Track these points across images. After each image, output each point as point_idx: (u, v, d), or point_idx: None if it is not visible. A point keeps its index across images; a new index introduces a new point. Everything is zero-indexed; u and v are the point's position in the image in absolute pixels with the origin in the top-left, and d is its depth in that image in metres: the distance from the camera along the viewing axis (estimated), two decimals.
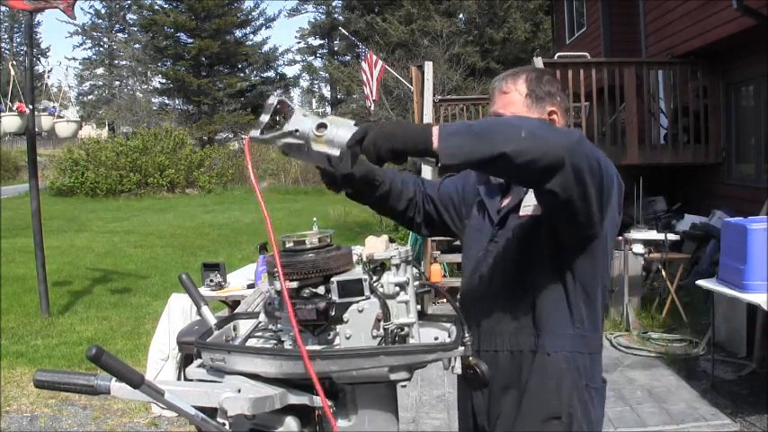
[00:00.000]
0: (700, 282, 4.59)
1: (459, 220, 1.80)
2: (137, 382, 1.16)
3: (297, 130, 1.27)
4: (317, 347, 1.28)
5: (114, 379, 1.20)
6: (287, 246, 1.31)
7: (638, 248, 6.22)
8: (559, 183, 1.28)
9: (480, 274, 1.64)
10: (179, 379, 3.80)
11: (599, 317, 1.57)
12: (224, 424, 1.23)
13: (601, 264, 1.55)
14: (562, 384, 1.51)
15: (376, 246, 1.32)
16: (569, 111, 1.71)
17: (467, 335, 1.32)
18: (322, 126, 1.26)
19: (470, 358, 1.32)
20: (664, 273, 6.14)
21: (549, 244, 1.52)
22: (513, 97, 1.60)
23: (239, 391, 1.23)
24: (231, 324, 1.49)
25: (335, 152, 1.24)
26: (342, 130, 1.24)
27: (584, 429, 1.53)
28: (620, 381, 4.63)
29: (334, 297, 1.26)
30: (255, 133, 1.29)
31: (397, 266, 1.28)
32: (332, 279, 1.27)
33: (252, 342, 1.39)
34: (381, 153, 1.23)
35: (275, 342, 1.36)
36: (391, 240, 1.37)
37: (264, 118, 1.31)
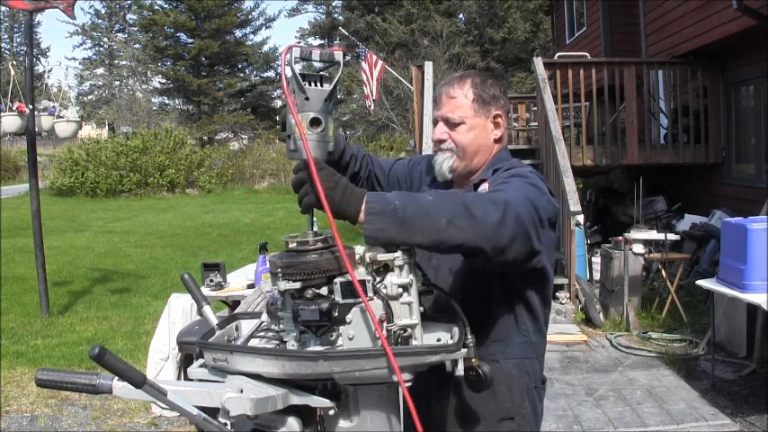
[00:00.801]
0: (700, 282, 4.60)
1: None
2: (139, 381, 1.16)
3: (307, 98, 1.26)
4: (320, 348, 1.28)
5: (116, 378, 1.20)
6: (290, 246, 1.31)
7: (638, 248, 6.23)
8: (480, 261, 1.33)
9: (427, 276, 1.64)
10: (179, 379, 3.80)
11: (543, 324, 1.65)
12: (226, 424, 1.23)
13: (543, 282, 1.60)
14: (513, 389, 1.60)
15: (379, 247, 1.31)
16: (510, 112, 1.76)
17: (469, 336, 1.32)
18: (315, 123, 1.26)
19: (473, 360, 1.32)
20: (664, 273, 6.14)
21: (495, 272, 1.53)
22: (461, 101, 1.64)
23: (242, 391, 1.23)
24: (233, 324, 1.49)
25: (291, 146, 1.27)
26: (316, 147, 1.26)
27: (533, 427, 1.63)
28: (620, 381, 4.63)
29: (338, 298, 1.26)
30: (297, 53, 1.27)
31: (401, 268, 1.27)
32: (335, 280, 1.26)
33: (254, 342, 1.39)
34: (301, 200, 1.26)
35: (277, 342, 1.35)
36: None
37: (315, 55, 1.31)
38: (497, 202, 1.30)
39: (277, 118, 1.41)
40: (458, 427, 1.61)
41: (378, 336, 1.21)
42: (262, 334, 1.40)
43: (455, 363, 1.30)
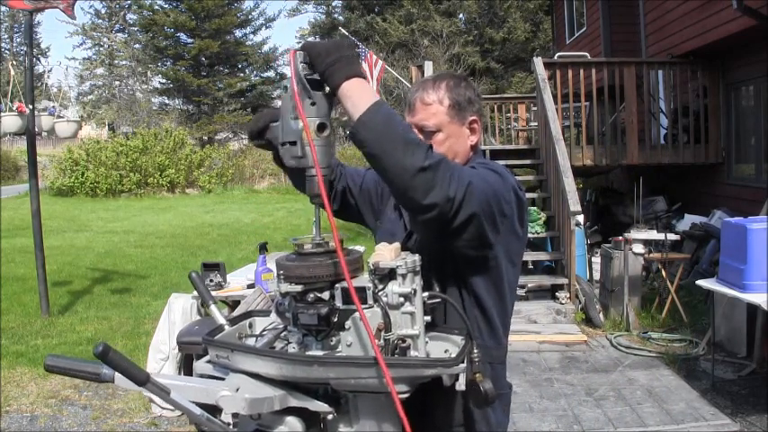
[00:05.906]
0: (700, 282, 4.61)
1: (375, 218, 1.76)
2: (142, 380, 1.17)
3: (314, 103, 1.26)
4: (320, 353, 1.27)
5: None
6: (295, 249, 1.30)
7: (638, 248, 6.23)
8: (422, 225, 1.33)
9: None
10: None
11: (500, 330, 1.57)
12: (229, 424, 1.23)
13: (498, 280, 1.53)
14: (458, 394, 1.48)
15: (383, 254, 1.27)
16: (483, 115, 1.69)
17: (475, 350, 1.28)
18: (322, 128, 1.25)
19: (477, 375, 1.27)
20: (664, 273, 6.15)
21: (447, 259, 1.49)
22: (436, 108, 1.57)
23: (237, 390, 1.23)
24: (247, 321, 1.48)
25: (298, 152, 1.25)
26: (324, 152, 1.25)
27: None
28: (620, 381, 4.64)
29: (338, 303, 1.24)
30: (301, 57, 1.26)
31: (404, 276, 1.24)
32: (337, 285, 1.25)
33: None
34: (317, 58, 1.25)
35: (286, 342, 1.34)
36: (404, 248, 1.33)
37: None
38: (461, 178, 1.29)
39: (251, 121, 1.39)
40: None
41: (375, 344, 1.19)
42: (282, 334, 1.39)
43: (455, 377, 1.25)
